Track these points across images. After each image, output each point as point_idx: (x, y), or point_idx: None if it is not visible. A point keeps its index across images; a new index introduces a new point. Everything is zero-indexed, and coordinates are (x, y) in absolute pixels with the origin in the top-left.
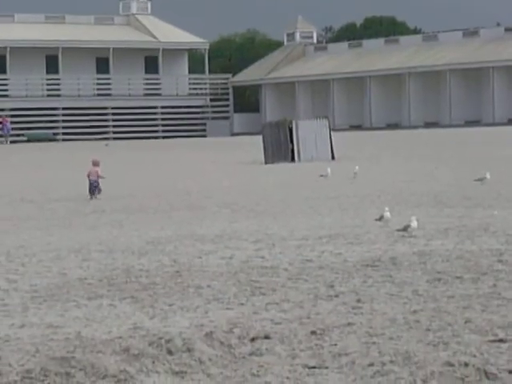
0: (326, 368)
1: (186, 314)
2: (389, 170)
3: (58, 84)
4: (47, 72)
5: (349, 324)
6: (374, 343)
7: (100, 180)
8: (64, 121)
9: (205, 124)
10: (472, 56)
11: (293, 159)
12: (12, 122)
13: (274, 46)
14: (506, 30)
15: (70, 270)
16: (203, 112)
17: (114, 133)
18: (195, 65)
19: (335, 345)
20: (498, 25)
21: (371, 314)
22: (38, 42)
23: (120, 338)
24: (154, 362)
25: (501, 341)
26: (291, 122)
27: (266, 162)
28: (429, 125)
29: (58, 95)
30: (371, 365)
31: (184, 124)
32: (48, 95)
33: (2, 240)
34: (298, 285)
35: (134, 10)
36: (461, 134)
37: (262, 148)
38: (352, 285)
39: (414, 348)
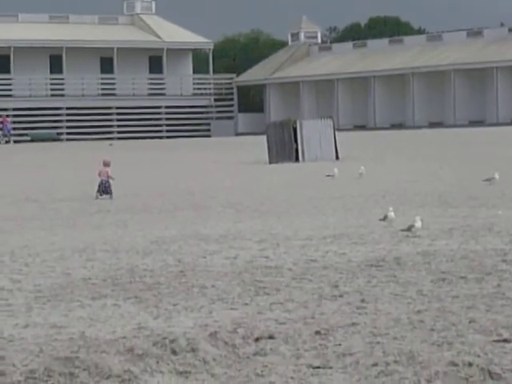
0: (331, 368)
1: (190, 313)
2: (393, 170)
3: (61, 84)
4: (51, 72)
5: (353, 324)
6: (378, 343)
7: (112, 181)
8: (68, 121)
9: (209, 124)
10: (476, 56)
11: (297, 159)
12: (16, 122)
13: (278, 45)
14: (510, 30)
15: (74, 269)
16: (207, 112)
17: (118, 133)
18: (199, 65)
19: (339, 345)
20: (502, 25)
21: (375, 313)
22: (42, 42)
23: (124, 337)
24: (158, 362)
25: (505, 341)
26: (295, 122)
27: (270, 162)
28: (433, 125)
29: (62, 95)
30: (375, 365)
31: (188, 124)
32: (52, 95)
33: (6, 240)
34: (302, 285)
35: (138, 9)
36: (465, 134)
37: (267, 148)
38: (356, 285)
39: (419, 348)
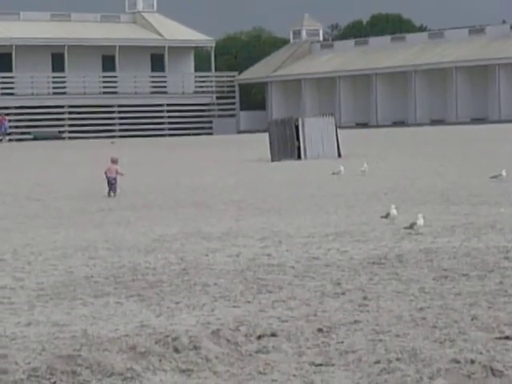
0: (333, 365)
1: (192, 311)
2: (395, 168)
3: (63, 82)
4: (53, 70)
5: (355, 321)
6: (380, 340)
7: (118, 178)
8: (70, 119)
9: (211, 122)
10: (478, 53)
11: (299, 157)
12: (18, 120)
13: (280, 43)
14: None
15: (76, 268)
16: (209, 110)
17: (120, 131)
18: (201, 63)
19: (342, 342)
20: (504, 22)
21: (377, 311)
22: (44, 40)
23: (126, 335)
24: (160, 360)
25: (507, 338)
26: (297, 120)
27: (272, 160)
28: (435, 122)
29: (64, 93)
30: (378, 362)
31: (190, 122)
32: (54, 93)
33: (9, 238)
34: (304, 282)
35: (140, 7)
36: (467, 131)
37: (269, 145)
38: (358, 282)
39: (421, 345)
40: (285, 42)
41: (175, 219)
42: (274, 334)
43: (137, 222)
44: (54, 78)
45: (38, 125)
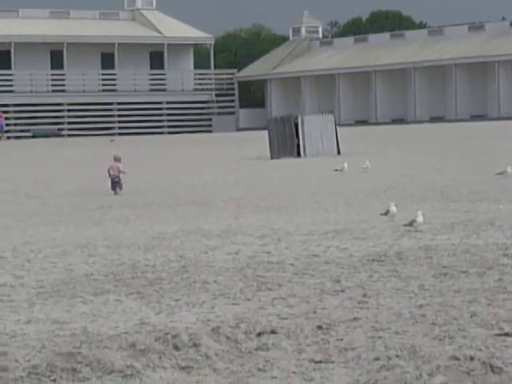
0: (332, 362)
1: (192, 309)
2: (395, 165)
3: (62, 79)
4: (52, 67)
5: (355, 319)
6: (379, 338)
7: (121, 175)
8: (69, 116)
9: (210, 119)
10: (477, 50)
11: (298, 154)
12: (17, 118)
13: (279, 40)
14: None
15: (75, 265)
16: (209, 107)
17: (119, 128)
18: (200, 60)
19: (341, 339)
20: (504, 19)
21: (377, 308)
22: (43, 38)
23: (126, 333)
24: (160, 358)
25: (506, 334)
26: (297, 117)
27: (271, 157)
28: (434, 119)
29: (63, 91)
30: (377, 359)
31: (189, 119)
32: (53, 91)
33: (8, 236)
34: (304, 280)
35: (139, 5)
36: (466, 128)
37: (268, 143)
38: (358, 279)
39: (420, 342)
40: (284, 39)
41: (175, 217)
42: (273, 332)
43: (136, 219)
44: (52, 75)
45: (37, 122)
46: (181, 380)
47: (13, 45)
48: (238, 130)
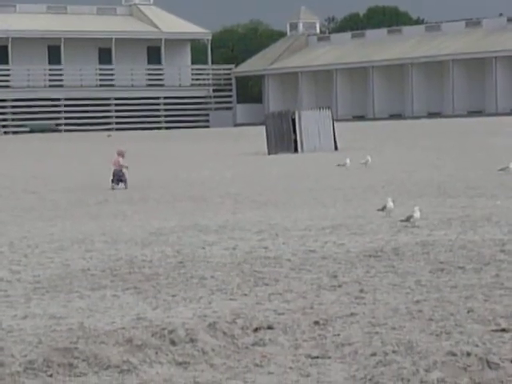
0: (329, 358)
1: (189, 304)
2: (392, 161)
3: (60, 74)
4: (49, 62)
5: (352, 314)
6: (376, 333)
7: (124, 170)
8: (66, 111)
9: (208, 115)
10: (475, 46)
11: (296, 150)
12: (14, 113)
13: (276, 36)
14: (509, 20)
15: (72, 260)
16: (206, 103)
17: (117, 123)
18: (198, 55)
19: (338, 335)
20: (501, 15)
21: (374, 304)
22: (40, 33)
23: (123, 328)
24: (157, 353)
25: (503, 330)
26: (294, 113)
27: (269, 153)
28: (432, 115)
29: (61, 86)
30: (374, 355)
31: (187, 115)
32: (50, 86)
33: (5, 231)
34: (301, 275)
35: (136, 0)
36: (464, 124)
37: (265, 138)
38: (355, 275)
39: (417, 338)
40: (282, 34)
41: (172, 212)
42: (270, 327)
43: (134, 215)
44: (50, 70)
45: (35, 117)
46: (177, 375)
47: (10, 40)
48: (236, 125)
